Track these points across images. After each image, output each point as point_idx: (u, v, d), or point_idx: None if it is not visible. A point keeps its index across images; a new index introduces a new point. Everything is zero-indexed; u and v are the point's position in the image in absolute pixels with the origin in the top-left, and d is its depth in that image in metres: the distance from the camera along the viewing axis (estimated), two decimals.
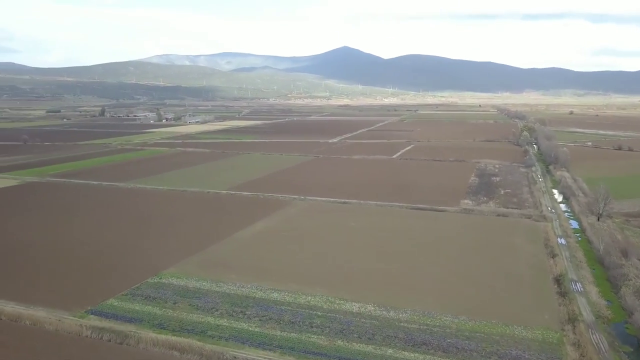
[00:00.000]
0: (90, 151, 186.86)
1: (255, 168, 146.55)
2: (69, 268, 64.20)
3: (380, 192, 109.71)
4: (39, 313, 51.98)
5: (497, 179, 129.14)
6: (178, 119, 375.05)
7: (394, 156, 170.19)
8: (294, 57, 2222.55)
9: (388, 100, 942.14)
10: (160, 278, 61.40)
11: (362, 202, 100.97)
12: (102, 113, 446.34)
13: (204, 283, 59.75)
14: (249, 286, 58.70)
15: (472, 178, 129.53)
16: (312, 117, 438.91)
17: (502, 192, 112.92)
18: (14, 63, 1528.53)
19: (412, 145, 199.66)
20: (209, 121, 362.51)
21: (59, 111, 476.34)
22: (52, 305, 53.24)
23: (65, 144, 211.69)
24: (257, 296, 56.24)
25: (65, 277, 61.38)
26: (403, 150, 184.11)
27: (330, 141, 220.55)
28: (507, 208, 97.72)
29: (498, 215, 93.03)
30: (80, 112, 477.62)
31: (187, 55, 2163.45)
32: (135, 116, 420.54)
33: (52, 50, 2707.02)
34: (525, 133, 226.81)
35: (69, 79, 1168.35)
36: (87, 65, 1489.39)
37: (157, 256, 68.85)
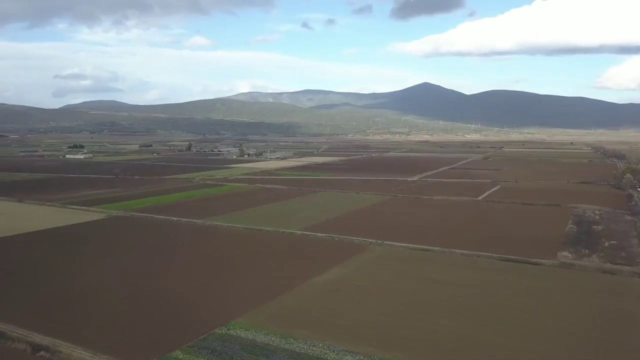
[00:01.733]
0: (174, 185, 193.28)
1: (332, 207, 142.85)
2: (138, 313, 62.63)
3: (466, 239, 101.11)
4: None
5: (599, 227, 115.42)
6: (259, 155, 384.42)
7: (479, 198, 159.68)
8: (374, 93, 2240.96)
9: (470, 137, 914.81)
10: (229, 329, 57.89)
11: (445, 250, 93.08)
12: (189, 148, 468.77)
13: (273, 338, 55.38)
14: (320, 345, 53.53)
15: (569, 226, 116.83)
16: (390, 153, 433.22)
17: (607, 243, 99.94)
18: (116, 101, 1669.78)
19: (498, 186, 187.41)
20: (288, 157, 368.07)
21: (151, 145, 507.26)
22: (118, 354, 51.13)
23: (152, 177, 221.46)
24: (328, 358, 50.90)
25: (134, 322, 59.65)
26: (489, 192, 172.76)
27: (409, 179, 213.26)
28: (615, 264, 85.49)
29: (604, 272, 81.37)
30: (169, 146, 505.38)
31: (270, 93, 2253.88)
32: (219, 151, 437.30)
33: (149, 90, 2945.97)
34: (628, 175, 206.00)
35: (162, 116, 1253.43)
36: (179, 102, 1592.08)
37: (227, 303, 65.78)
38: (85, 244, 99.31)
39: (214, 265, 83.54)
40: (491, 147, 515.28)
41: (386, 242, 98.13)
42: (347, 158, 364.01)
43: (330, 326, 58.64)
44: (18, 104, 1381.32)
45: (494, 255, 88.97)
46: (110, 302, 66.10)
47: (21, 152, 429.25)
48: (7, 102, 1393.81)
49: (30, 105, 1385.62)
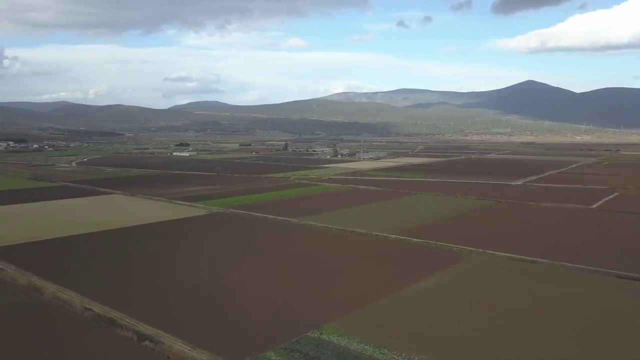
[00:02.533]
0: (271, 184, 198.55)
1: (427, 211, 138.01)
2: (233, 310, 63.84)
3: (577, 251, 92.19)
4: (202, 357, 51.41)
5: None
6: (352, 155, 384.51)
7: (593, 206, 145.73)
8: (473, 92, 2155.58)
9: (581, 138, 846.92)
10: (322, 333, 57.06)
11: (554, 262, 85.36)
12: (285, 147, 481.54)
13: (366, 347, 53.61)
14: (415, 359, 50.90)
15: None
16: (491, 155, 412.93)
17: None
18: (218, 102, 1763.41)
19: (616, 194, 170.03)
20: (382, 157, 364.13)
21: (250, 144, 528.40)
22: (214, 350, 52.27)
23: (250, 176, 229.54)
24: None
25: (229, 319, 60.90)
26: (605, 199, 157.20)
27: (512, 184, 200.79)
28: None
29: None
30: (267, 145, 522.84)
31: (365, 93, 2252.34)
32: (313, 151, 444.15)
33: (249, 91, 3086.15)
34: None
35: (261, 116, 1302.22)
36: (277, 103, 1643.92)
37: (320, 306, 65.12)
38: (188, 238, 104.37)
39: (307, 266, 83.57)
40: (606, 150, 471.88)
41: (487, 251, 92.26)
42: (445, 159, 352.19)
43: (424, 339, 55.67)
44: (133, 104, 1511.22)
45: (611, 271, 79.95)
46: (208, 298, 68.17)
47: (135, 149, 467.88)
48: (124, 103, 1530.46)
49: (143, 105, 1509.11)
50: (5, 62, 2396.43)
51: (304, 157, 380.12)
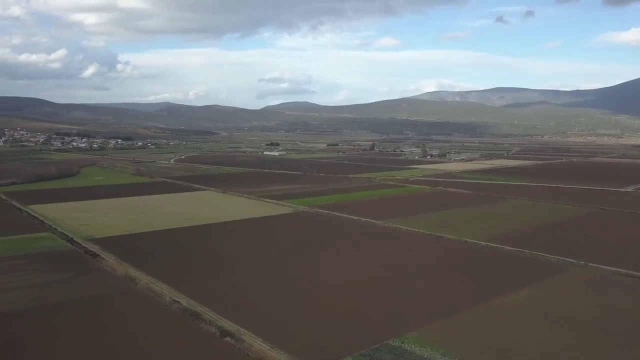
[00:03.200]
0: (356, 184, 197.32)
1: (522, 217, 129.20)
2: (313, 311, 63.21)
3: None
4: (281, 357, 51.17)
5: None
6: (443, 156, 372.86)
7: None
8: (577, 90, 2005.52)
9: None
10: (403, 342, 54.61)
11: None
12: (372, 147, 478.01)
13: None
14: None
15: None
16: (596, 158, 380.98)
17: None
18: (308, 102, 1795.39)
19: None
20: (474, 159, 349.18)
21: (337, 144, 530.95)
22: (293, 352, 51.84)
23: (336, 176, 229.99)
24: None
25: (309, 320, 60.33)
26: None
27: (621, 190, 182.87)
28: None
29: None
30: (354, 145, 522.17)
31: (457, 92, 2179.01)
32: (401, 151, 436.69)
33: (338, 91, 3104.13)
34: None
35: (349, 116, 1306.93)
36: (365, 102, 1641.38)
37: (401, 313, 62.60)
38: (274, 236, 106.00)
39: (390, 270, 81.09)
40: None
41: (590, 264, 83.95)
42: (543, 162, 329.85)
43: (514, 358, 51.28)
44: (228, 105, 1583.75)
45: None
46: (290, 297, 68.18)
47: (228, 147, 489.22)
48: (220, 104, 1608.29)
49: (238, 106, 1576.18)
50: (119, 67, 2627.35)
51: (391, 157, 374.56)
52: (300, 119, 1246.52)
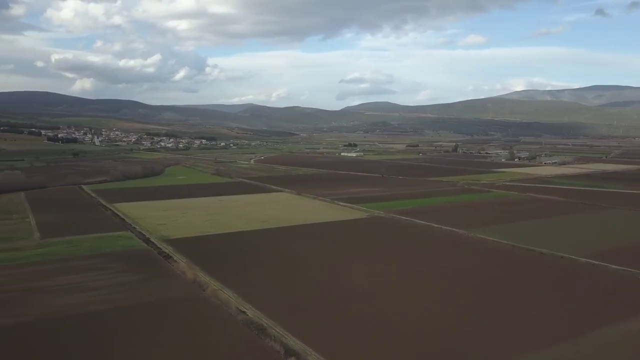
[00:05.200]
0: (437, 188, 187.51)
1: (627, 230, 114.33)
2: (390, 333, 57.08)
3: None
4: None
5: None
6: (532, 159, 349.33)
7: None
8: None
9: None
10: None
11: None
12: (455, 149, 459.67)
13: None
14: None
15: None
16: None
17: None
18: (388, 102, 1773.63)
19: None
20: (568, 163, 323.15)
21: (417, 145, 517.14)
22: None
23: (415, 179, 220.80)
24: None
25: (384, 345, 54.37)
26: None
27: None
28: None
29: None
30: (435, 146, 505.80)
31: (549, 91, 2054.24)
32: (486, 153, 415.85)
33: (420, 91, 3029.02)
34: None
35: (430, 116, 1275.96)
36: (448, 102, 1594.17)
37: (487, 341, 54.72)
38: (347, 242, 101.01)
39: (473, 287, 72.95)
40: None
41: None
42: None
43: None
44: (309, 106, 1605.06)
45: None
46: (364, 314, 62.56)
47: (306, 148, 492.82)
48: (300, 105, 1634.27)
49: (318, 107, 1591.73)
50: (207, 70, 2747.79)
51: (476, 159, 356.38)
52: (380, 120, 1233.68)
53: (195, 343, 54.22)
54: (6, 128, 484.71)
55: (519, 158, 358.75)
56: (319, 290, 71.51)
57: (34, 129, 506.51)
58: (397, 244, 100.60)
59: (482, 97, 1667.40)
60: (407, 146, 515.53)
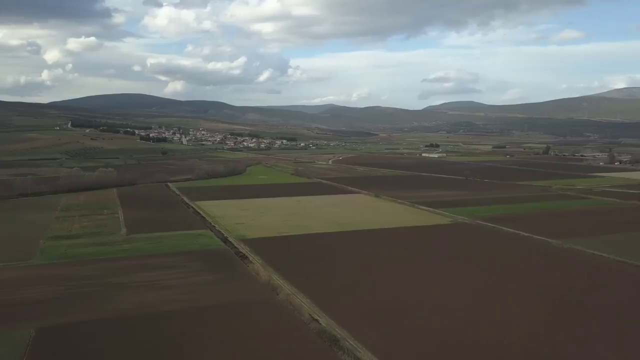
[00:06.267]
0: (527, 193, 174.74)
1: None
2: (474, 354, 51.70)
3: None
4: None
5: None
6: (635, 163, 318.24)
7: None
8: None
9: None
10: None
11: None
12: (546, 151, 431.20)
13: None
14: None
15: None
16: None
17: None
18: (473, 101, 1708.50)
19: None
20: None
21: (504, 147, 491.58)
22: None
23: (503, 182, 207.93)
24: None
25: None
26: None
27: None
28: None
29: None
30: (524, 148, 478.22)
31: None
32: (582, 156, 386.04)
33: (508, 89, 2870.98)
34: None
35: (519, 116, 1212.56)
36: (538, 101, 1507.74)
37: None
38: (428, 250, 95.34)
39: (571, 309, 64.67)
40: None
41: None
42: None
43: None
44: (389, 106, 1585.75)
45: None
46: (447, 329, 57.24)
47: (386, 149, 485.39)
48: (380, 105, 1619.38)
49: (398, 107, 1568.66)
50: (289, 71, 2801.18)
51: (570, 163, 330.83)
52: (464, 119, 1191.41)
53: (266, 351, 52.06)
54: (105, 128, 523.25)
55: (620, 162, 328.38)
56: (396, 301, 67.02)
57: (128, 129, 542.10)
58: (482, 254, 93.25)
59: (577, 95, 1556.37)
60: (493, 147, 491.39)
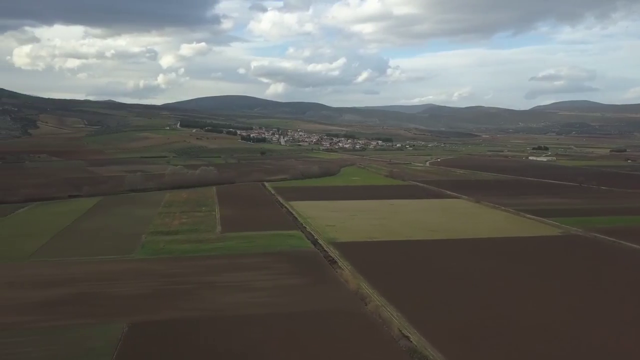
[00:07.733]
0: None
1: None
2: None
3: None
4: None
5: None
6: None
7: None
8: None
9: None
10: None
11: None
12: None
13: None
14: None
15: None
16: None
17: None
18: (588, 101, 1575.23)
19: None
20: None
21: (624, 150, 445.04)
22: None
23: (623, 190, 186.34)
24: None
25: None
26: None
27: None
28: None
29: None
30: None
31: None
32: None
33: (629, 88, 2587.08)
34: None
35: None
36: None
37: None
38: (534, 264, 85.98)
39: None
40: None
41: None
42: None
43: None
44: (493, 106, 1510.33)
45: None
46: (553, 358, 50.14)
47: (488, 150, 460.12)
48: (484, 105, 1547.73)
49: (502, 107, 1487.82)
50: (388, 72, 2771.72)
51: None
52: (577, 120, 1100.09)
53: None
54: (209, 128, 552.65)
55: None
56: (494, 320, 60.39)
57: (231, 129, 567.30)
58: (597, 271, 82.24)
59: None
60: (610, 151, 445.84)
